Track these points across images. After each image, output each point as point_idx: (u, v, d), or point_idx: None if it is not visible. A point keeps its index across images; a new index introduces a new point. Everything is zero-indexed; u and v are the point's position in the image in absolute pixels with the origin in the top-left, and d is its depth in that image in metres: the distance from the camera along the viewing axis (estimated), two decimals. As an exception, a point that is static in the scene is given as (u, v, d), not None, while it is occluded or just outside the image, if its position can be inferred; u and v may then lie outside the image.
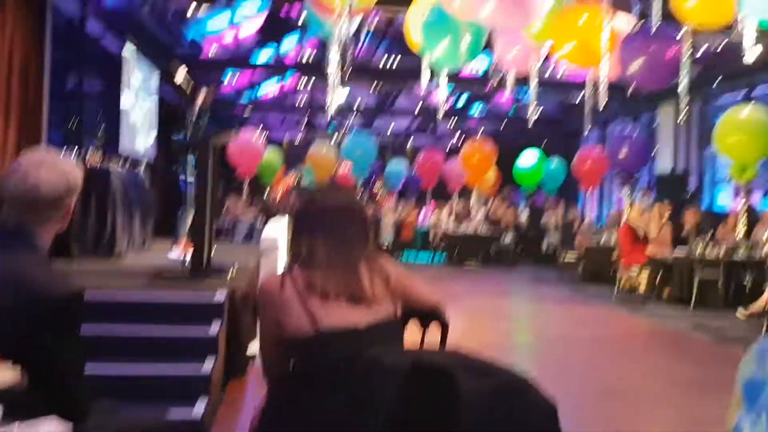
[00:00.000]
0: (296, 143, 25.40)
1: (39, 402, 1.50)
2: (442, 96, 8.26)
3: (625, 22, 7.45)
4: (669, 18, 6.65)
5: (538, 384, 1.43)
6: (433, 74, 8.42)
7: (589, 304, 9.74)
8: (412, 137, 25.45)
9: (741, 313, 8.06)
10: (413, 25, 7.85)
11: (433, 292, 2.15)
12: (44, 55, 8.43)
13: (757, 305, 7.82)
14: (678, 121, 6.48)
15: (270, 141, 19.61)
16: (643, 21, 7.18)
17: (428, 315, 2.14)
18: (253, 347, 5.47)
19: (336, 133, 22.32)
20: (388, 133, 23.00)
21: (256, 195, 18.62)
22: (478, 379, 1.41)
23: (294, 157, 24.23)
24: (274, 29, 13.44)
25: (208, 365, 4.17)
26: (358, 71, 6.59)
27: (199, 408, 3.88)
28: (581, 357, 6.41)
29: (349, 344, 1.75)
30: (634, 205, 11.11)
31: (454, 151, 22.12)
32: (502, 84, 8.51)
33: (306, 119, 21.99)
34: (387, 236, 15.69)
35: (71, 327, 1.67)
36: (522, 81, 8.73)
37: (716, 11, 5.81)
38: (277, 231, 6.40)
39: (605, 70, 6.68)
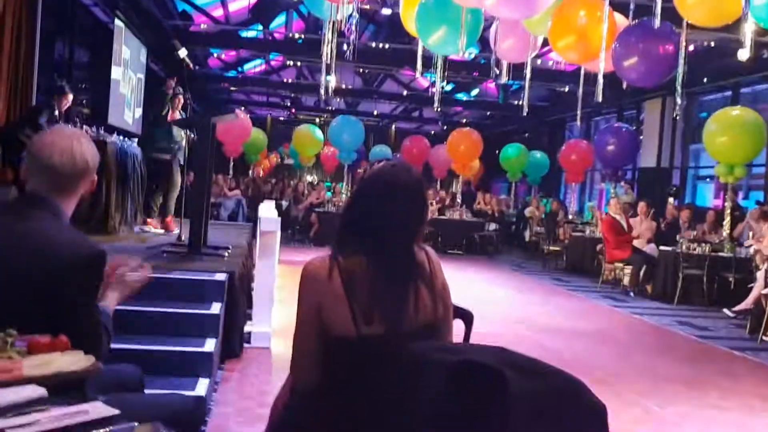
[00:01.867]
0: (281, 122, 25.21)
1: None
2: (437, 82, 8.23)
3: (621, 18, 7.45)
4: (666, 13, 6.64)
5: (588, 387, 1.43)
6: (427, 60, 8.38)
7: (572, 296, 9.84)
8: (396, 122, 25.41)
9: (727, 311, 8.24)
10: (409, 10, 7.73)
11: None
12: (36, 22, 8.28)
13: (744, 304, 7.97)
14: (674, 116, 6.53)
15: (254, 118, 19.48)
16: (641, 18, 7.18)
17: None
18: (247, 329, 5.49)
19: (322, 115, 22.17)
20: (375, 114, 22.88)
21: (240, 173, 18.52)
22: (528, 379, 1.37)
23: (279, 136, 24.06)
24: (263, 8, 13.24)
25: (209, 344, 4.17)
26: (348, 54, 6.56)
27: (201, 386, 3.88)
28: (563, 349, 6.41)
29: (392, 349, 1.64)
30: (614, 198, 11.20)
31: (439, 136, 22.11)
32: (495, 72, 8.45)
33: (292, 98, 21.77)
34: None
35: (96, 282, 1.74)
36: (515, 70, 8.71)
37: (720, 9, 5.83)
38: (273, 212, 6.40)
39: (602, 65, 6.68)
